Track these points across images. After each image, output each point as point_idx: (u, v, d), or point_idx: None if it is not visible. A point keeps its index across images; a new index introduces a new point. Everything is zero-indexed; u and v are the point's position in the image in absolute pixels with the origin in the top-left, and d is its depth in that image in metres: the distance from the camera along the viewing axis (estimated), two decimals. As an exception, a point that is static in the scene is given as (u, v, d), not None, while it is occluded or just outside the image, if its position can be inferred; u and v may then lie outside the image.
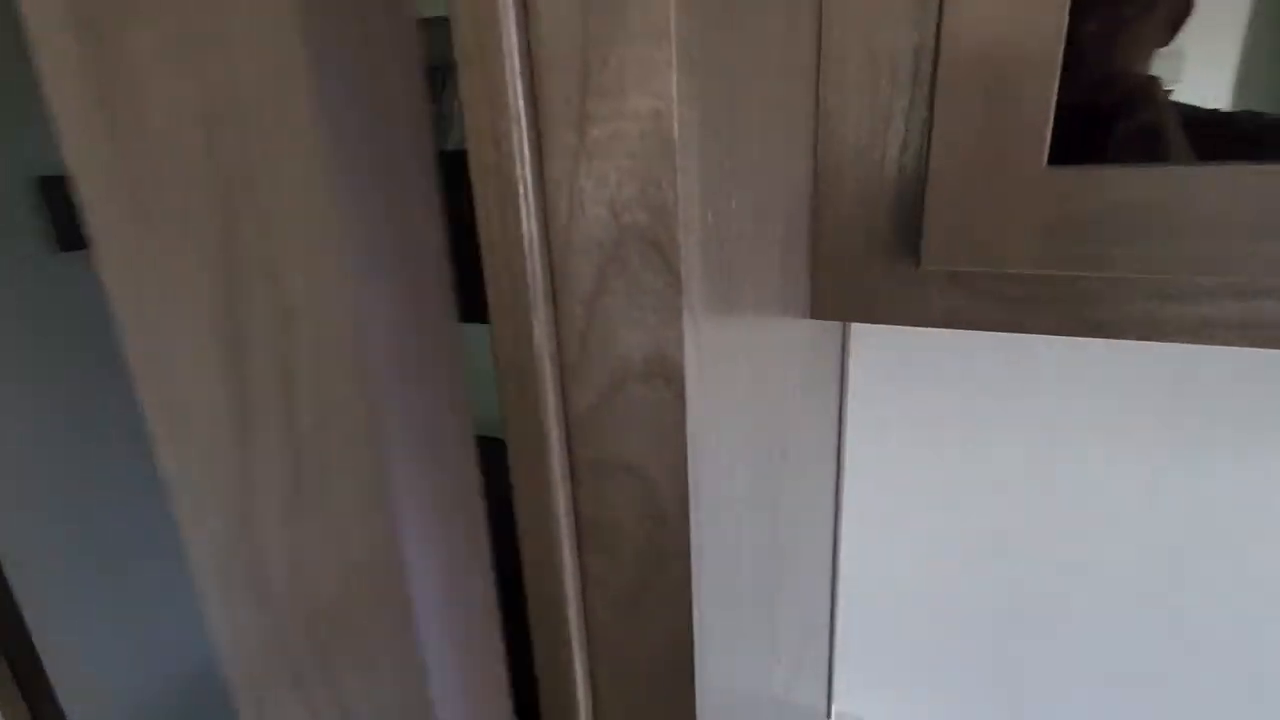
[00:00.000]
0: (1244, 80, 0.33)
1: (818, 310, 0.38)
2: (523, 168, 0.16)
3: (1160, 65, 0.33)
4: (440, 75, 0.26)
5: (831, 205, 0.35)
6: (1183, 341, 0.32)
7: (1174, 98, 0.34)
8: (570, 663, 0.21)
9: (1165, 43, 0.32)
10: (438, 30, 0.16)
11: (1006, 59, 0.29)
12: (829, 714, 0.70)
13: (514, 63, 0.15)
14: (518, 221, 0.17)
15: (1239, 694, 0.52)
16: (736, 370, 0.22)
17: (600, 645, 0.21)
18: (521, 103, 0.16)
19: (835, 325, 0.52)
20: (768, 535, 0.31)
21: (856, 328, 0.55)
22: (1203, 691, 0.53)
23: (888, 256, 0.35)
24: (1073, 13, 0.28)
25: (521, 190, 0.16)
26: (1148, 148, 0.32)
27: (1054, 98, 0.29)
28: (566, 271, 0.17)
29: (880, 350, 0.55)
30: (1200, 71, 0.33)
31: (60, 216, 0.72)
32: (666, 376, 0.17)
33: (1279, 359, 0.45)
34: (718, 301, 0.19)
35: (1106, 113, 0.33)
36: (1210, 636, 0.51)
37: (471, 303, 0.20)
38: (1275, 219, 0.28)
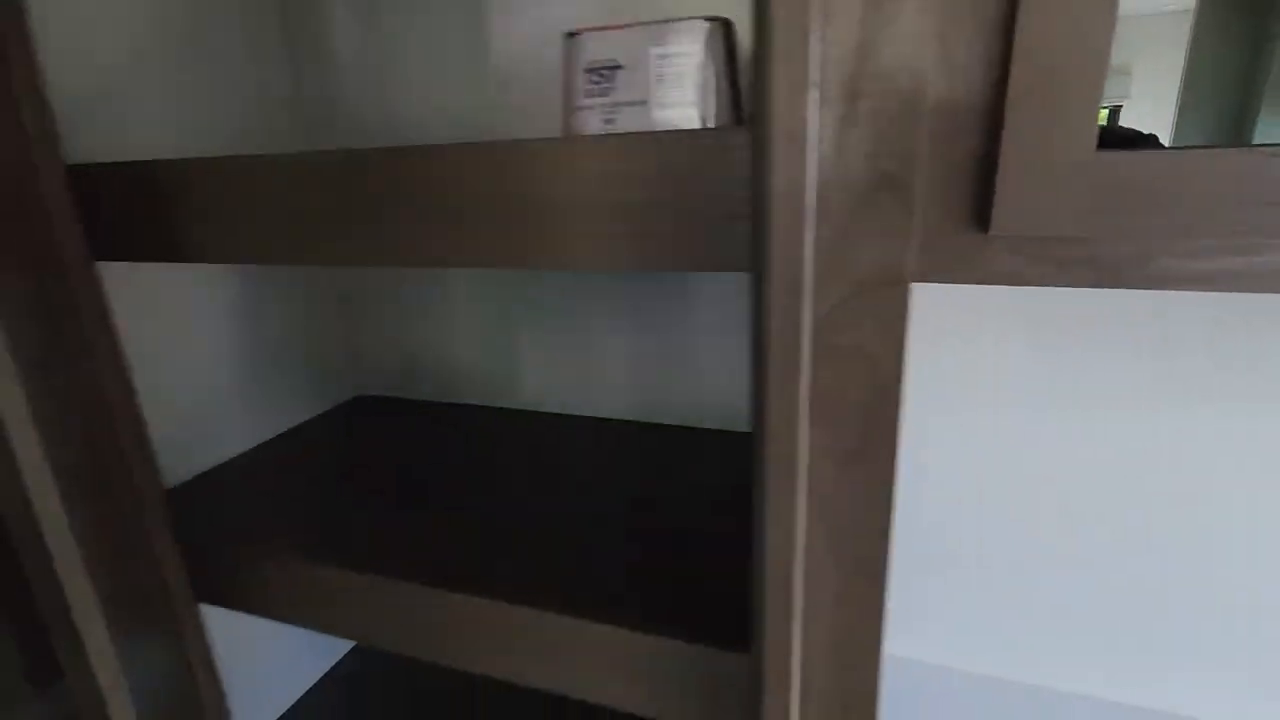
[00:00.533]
0: (1185, 105, 0.43)
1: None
2: (810, 129, 0.23)
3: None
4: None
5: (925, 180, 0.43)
6: (1195, 289, 0.41)
7: (1122, 112, 0.44)
8: (794, 510, 0.28)
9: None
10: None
11: (1067, 70, 0.38)
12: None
13: (815, 57, 0.23)
14: (803, 167, 0.24)
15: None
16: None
17: (818, 497, 0.28)
18: (815, 84, 0.23)
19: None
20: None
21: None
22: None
23: (959, 226, 0.43)
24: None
25: (809, 145, 0.23)
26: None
27: (1100, 98, 0.37)
28: (828, 204, 0.24)
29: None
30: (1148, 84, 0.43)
31: None
32: (894, 281, 0.24)
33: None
34: (919, 232, 0.26)
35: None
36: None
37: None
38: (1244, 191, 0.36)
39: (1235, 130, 0.45)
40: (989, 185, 0.42)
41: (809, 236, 0.24)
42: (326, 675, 0.85)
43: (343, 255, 0.37)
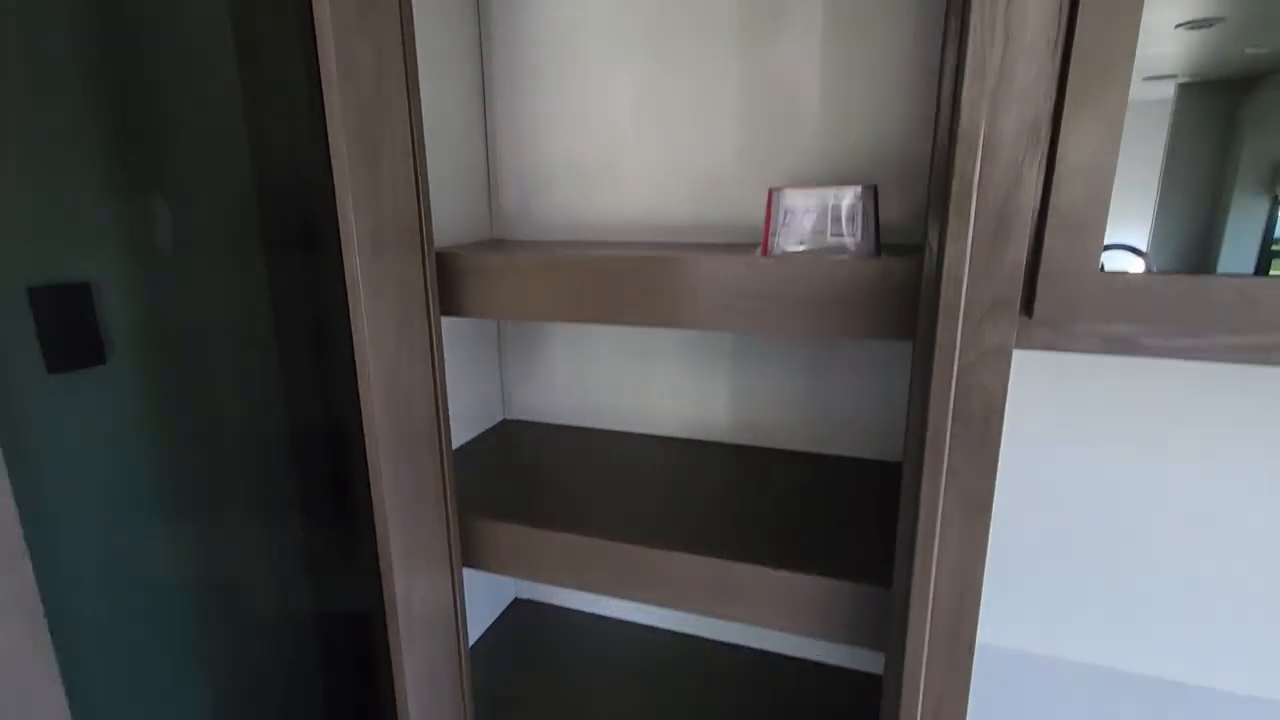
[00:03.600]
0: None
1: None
2: (965, 270, 0.47)
3: None
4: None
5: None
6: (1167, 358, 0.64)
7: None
8: (937, 495, 0.50)
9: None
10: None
11: (1083, 214, 0.61)
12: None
13: (971, 214, 0.46)
14: (960, 293, 0.47)
15: None
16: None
17: (950, 476, 0.50)
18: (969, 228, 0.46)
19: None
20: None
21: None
22: None
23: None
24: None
25: (964, 279, 0.47)
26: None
27: (1104, 233, 0.61)
28: (971, 310, 0.47)
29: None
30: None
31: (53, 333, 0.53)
32: (1003, 349, 0.47)
33: None
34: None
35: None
36: None
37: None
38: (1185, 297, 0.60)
39: (1209, 209, 0.55)
40: (1033, 289, 0.65)
41: (960, 326, 0.47)
42: (497, 620, 1.09)
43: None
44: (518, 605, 1.15)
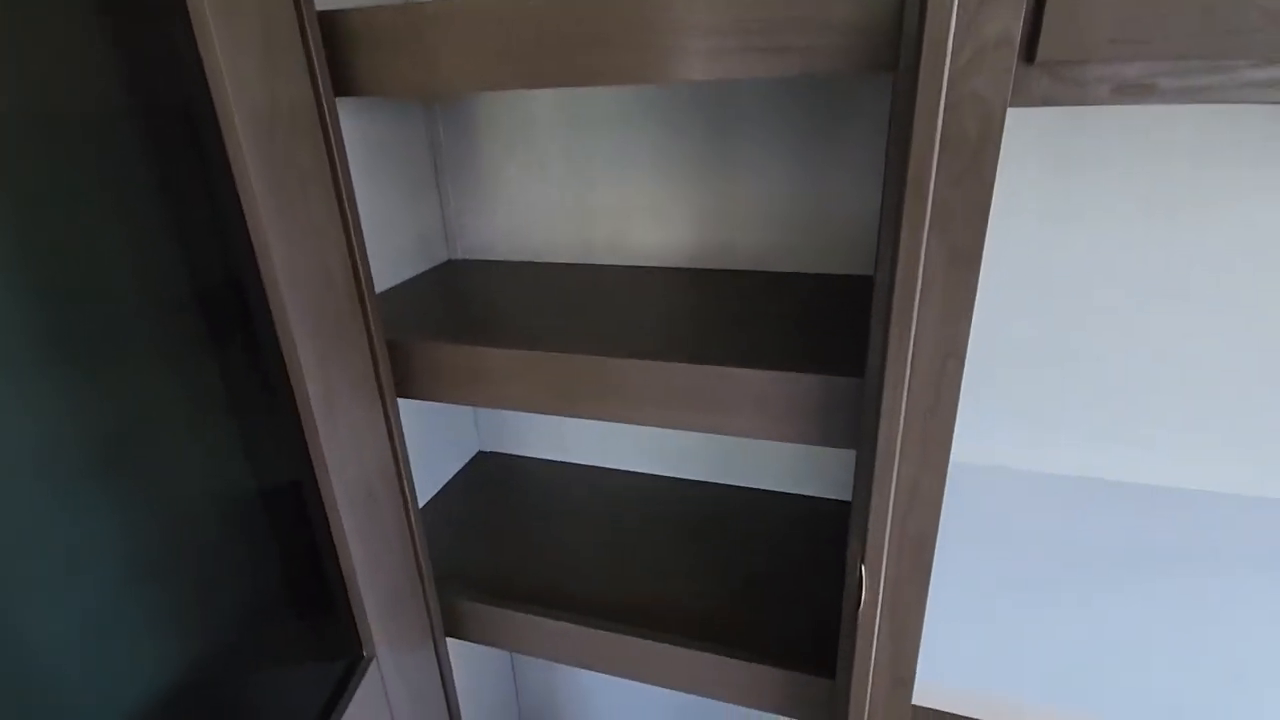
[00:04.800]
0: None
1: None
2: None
3: None
4: None
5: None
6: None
7: None
8: (919, 246, 0.42)
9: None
10: None
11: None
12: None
13: None
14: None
15: None
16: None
17: (935, 208, 0.42)
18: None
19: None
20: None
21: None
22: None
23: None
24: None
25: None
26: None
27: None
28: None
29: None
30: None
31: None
32: (1007, 48, 0.38)
33: None
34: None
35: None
36: None
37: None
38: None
39: None
40: (1038, 25, 0.55)
41: (954, 23, 0.38)
42: (459, 473, 1.04)
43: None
44: (481, 458, 1.10)
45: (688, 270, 0.88)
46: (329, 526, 0.61)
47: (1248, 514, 0.80)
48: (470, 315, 0.77)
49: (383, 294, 0.83)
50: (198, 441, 0.50)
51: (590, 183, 0.90)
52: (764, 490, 0.99)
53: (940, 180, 0.41)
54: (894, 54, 0.44)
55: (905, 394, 0.48)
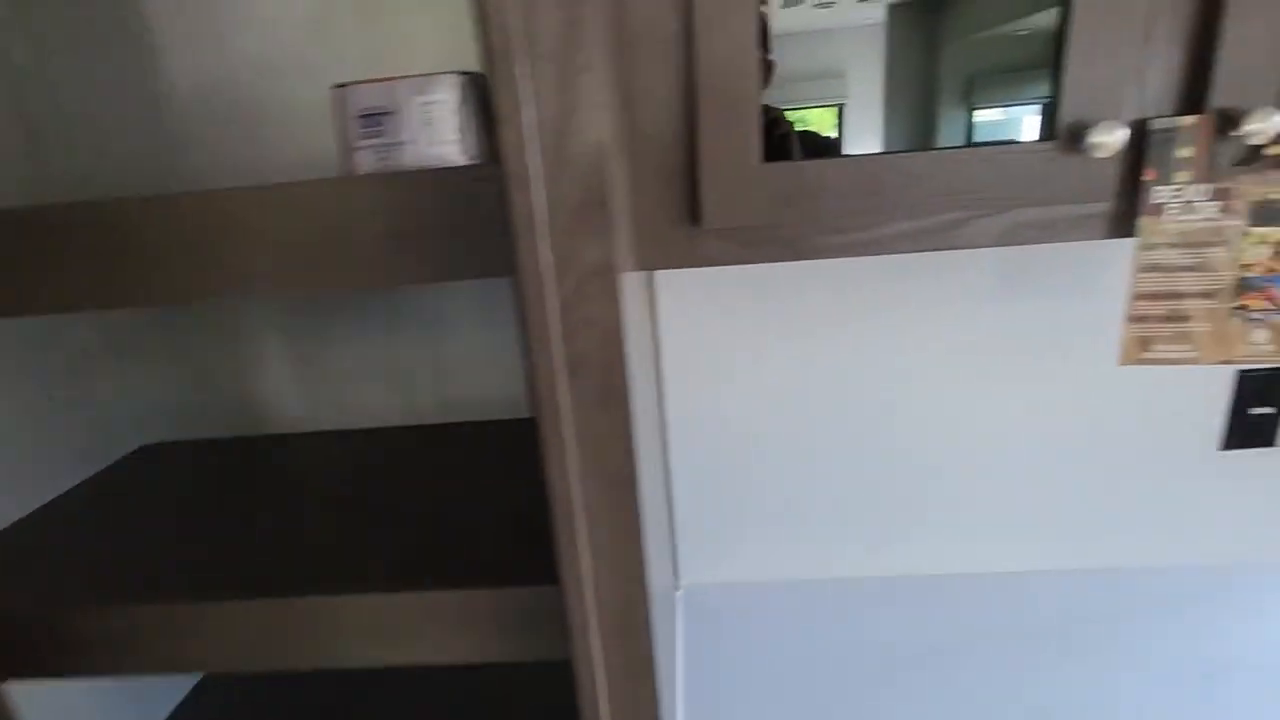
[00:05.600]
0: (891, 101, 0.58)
1: (641, 264, 0.58)
2: (533, 171, 0.33)
3: (826, 84, 0.57)
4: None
5: (643, 194, 0.55)
6: (852, 255, 0.57)
7: (846, 106, 0.58)
8: (564, 447, 0.38)
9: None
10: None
11: (732, 107, 0.51)
12: (677, 586, 0.91)
13: (530, 121, 0.32)
14: (530, 200, 0.33)
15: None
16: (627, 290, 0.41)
17: (581, 434, 0.38)
18: (534, 139, 0.32)
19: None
20: (650, 397, 0.50)
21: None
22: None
23: (681, 223, 0.56)
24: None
25: (534, 183, 0.33)
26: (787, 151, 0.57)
27: (759, 122, 0.52)
28: (557, 221, 0.34)
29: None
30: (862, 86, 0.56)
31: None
32: (608, 274, 0.35)
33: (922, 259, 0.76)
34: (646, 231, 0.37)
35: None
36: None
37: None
38: (876, 186, 0.53)
39: (926, 119, 0.57)
40: (697, 193, 0.55)
41: (544, 245, 0.34)
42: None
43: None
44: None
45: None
46: None
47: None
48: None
49: None
50: None
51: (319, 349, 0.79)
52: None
53: (578, 410, 0.37)
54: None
55: (594, 614, 0.43)
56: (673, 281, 0.80)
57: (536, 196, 0.33)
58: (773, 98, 0.54)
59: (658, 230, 0.57)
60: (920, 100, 0.56)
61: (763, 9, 0.51)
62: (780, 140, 0.56)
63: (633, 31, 0.51)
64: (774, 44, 0.54)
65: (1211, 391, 0.79)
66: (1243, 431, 0.80)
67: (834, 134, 0.57)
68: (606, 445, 0.38)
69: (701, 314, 0.80)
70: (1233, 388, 0.78)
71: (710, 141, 0.53)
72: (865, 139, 0.57)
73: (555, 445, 0.37)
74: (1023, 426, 0.82)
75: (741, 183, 0.54)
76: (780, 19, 0.54)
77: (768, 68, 0.54)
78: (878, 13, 0.54)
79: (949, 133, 0.56)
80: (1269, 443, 0.80)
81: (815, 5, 0.54)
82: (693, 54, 0.51)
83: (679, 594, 0.89)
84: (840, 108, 0.57)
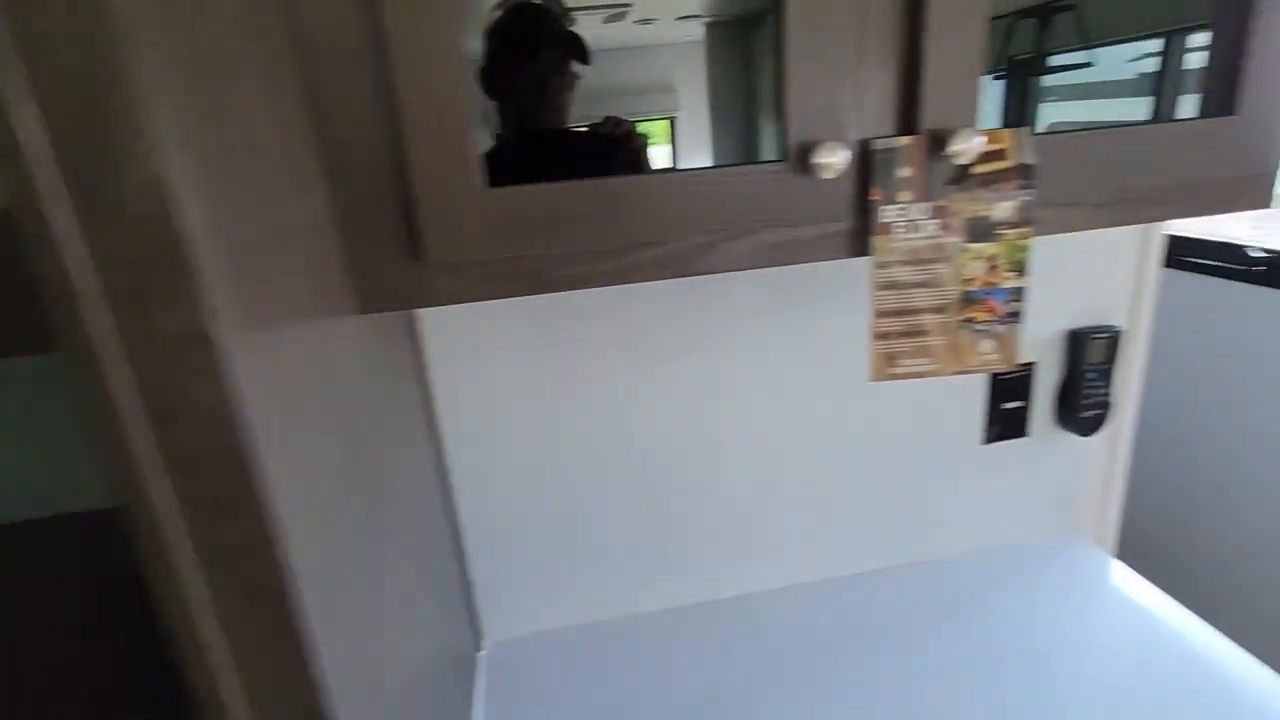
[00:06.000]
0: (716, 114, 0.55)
1: (364, 307, 0.50)
2: (58, 227, 0.24)
3: (657, 98, 0.55)
4: None
5: (355, 227, 0.47)
6: (601, 285, 0.52)
7: (678, 120, 0.56)
8: (180, 570, 0.29)
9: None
10: None
11: (443, 114, 0.45)
12: (480, 646, 0.83)
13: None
14: (63, 260, 0.24)
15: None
16: (284, 353, 0.33)
17: (201, 551, 0.29)
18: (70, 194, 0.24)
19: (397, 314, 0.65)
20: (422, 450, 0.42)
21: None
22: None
23: (403, 258, 0.49)
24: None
25: (73, 240, 0.24)
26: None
27: (475, 140, 0.46)
28: (112, 283, 0.26)
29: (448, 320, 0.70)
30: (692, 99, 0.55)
31: None
32: (205, 345, 0.27)
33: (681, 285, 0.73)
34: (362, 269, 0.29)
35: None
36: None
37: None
38: (615, 210, 0.49)
39: (749, 133, 0.57)
40: (414, 224, 0.48)
41: (96, 314, 0.25)
42: None
43: None
44: None
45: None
46: None
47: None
48: None
49: None
50: None
51: None
52: None
53: (195, 530, 0.29)
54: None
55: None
56: (437, 320, 0.72)
57: (70, 253, 0.25)
58: (618, 110, 0.54)
59: (377, 267, 0.49)
60: (743, 114, 0.56)
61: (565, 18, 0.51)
62: (632, 155, 0.56)
63: (309, 31, 0.43)
64: (592, 57, 0.53)
65: (971, 391, 0.84)
66: (1000, 425, 0.86)
67: (667, 146, 0.57)
68: (238, 559, 0.30)
69: (474, 352, 0.73)
70: (987, 386, 0.84)
71: (423, 165, 0.46)
72: (697, 152, 0.58)
73: (162, 572, 0.29)
74: (802, 442, 0.83)
75: (462, 211, 0.48)
76: (604, 33, 0.53)
77: (571, 80, 0.53)
78: (698, 30, 0.55)
79: (769, 146, 0.55)
80: (1022, 433, 0.87)
81: (636, 21, 0.54)
82: (388, 63, 0.44)
83: (481, 655, 0.81)
84: (672, 120, 0.57)
